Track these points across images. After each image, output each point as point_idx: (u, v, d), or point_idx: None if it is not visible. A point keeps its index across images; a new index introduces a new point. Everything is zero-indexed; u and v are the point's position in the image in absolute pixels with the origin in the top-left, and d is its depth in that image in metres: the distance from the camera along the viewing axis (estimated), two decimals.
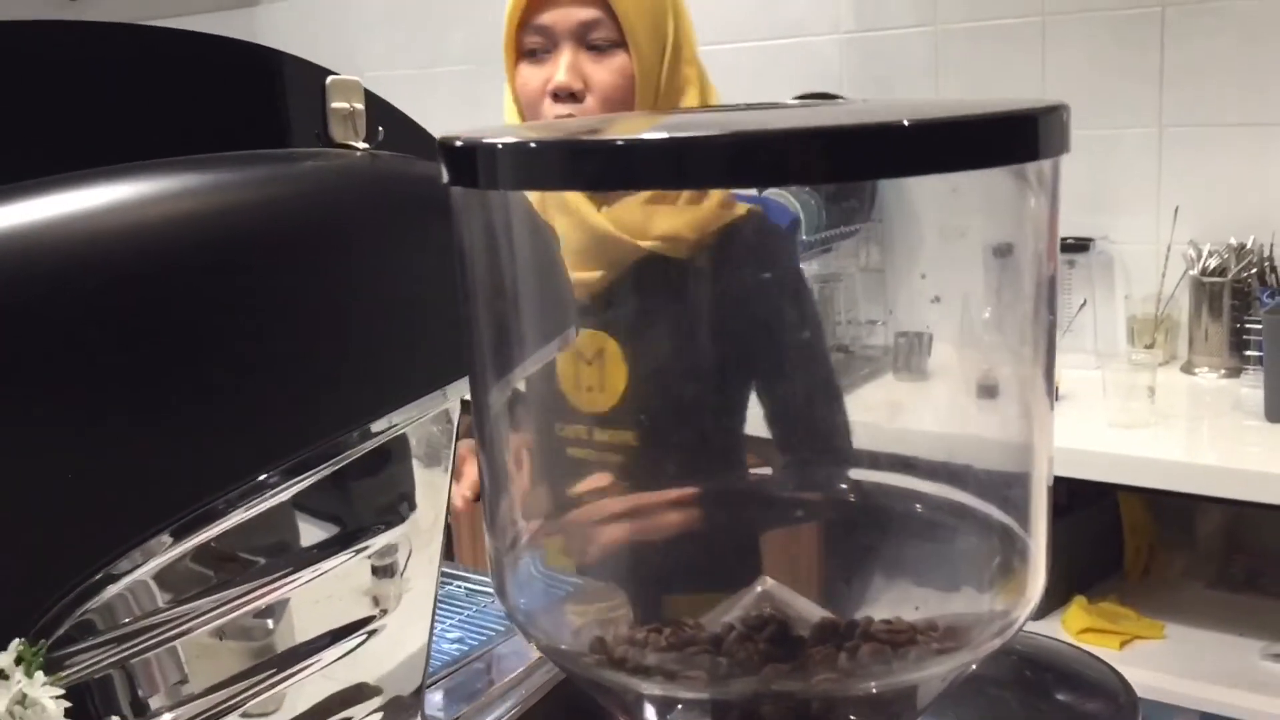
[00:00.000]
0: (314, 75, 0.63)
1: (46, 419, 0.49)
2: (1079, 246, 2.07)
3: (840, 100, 2.14)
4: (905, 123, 0.40)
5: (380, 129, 0.63)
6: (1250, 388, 1.80)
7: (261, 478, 0.54)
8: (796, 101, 1.53)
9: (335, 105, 0.63)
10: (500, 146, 0.46)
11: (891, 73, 2.29)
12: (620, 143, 0.45)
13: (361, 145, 0.63)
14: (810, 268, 2.27)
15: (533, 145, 0.47)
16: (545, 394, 0.73)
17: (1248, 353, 1.89)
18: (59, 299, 0.49)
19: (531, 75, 1.31)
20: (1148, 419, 1.70)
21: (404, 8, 2.99)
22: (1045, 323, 0.51)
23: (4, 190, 0.51)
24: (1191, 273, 1.97)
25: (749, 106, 0.57)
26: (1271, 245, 1.91)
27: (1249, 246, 1.93)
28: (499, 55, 1.34)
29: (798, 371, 0.73)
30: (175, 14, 3.43)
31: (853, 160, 0.40)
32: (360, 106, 0.64)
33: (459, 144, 0.47)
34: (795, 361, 0.73)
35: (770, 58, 2.41)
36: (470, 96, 2.85)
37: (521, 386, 0.57)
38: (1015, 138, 0.43)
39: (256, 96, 0.68)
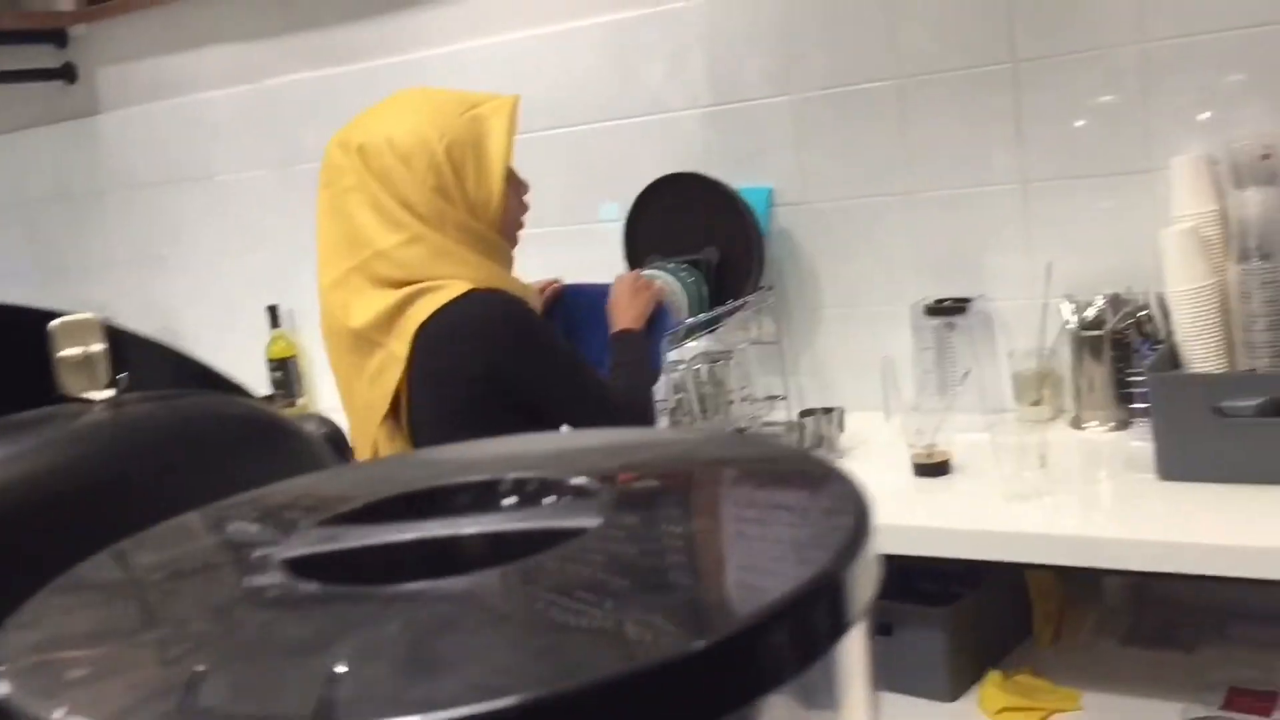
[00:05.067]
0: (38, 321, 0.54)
1: None
2: (956, 308, 2.04)
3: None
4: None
5: (123, 375, 0.55)
6: (1140, 440, 1.77)
7: None
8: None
9: (65, 353, 0.54)
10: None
11: (754, 144, 2.25)
12: None
13: (101, 395, 0.54)
14: (699, 346, 2.21)
15: None
16: None
17: (1134, 405, 1.86)
18: None
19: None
20: (1042, 488, 1.66)
21: (253, 107, 2.88)
22: None
23: None
24: (1070, 326, 1.94)
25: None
26: (1146, 294, 1.90)
27: (1124, 296, 1.92)
28: None
29: None
30: (12, 130, 3.28)
31: None
32: (98, 349, 0.55)
33: None
34: None
35: (636, 133, 2.37)
36: None
37: None
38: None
39: None
